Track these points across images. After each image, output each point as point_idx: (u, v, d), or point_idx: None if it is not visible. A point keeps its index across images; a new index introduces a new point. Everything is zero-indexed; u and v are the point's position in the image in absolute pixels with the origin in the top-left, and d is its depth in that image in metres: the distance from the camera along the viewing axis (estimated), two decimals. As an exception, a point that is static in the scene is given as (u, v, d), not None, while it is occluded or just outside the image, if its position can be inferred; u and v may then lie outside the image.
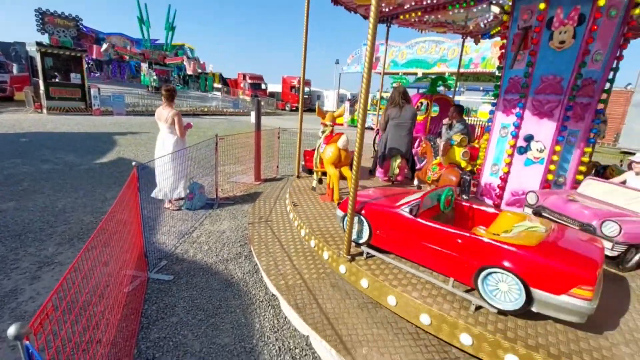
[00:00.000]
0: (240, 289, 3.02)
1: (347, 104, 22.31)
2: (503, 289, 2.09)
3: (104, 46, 27.38)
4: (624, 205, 3.20)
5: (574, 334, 2.03)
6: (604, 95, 3.91)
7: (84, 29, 27.91)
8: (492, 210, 2.97)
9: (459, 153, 4.73)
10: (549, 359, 1.79)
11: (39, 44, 14.69)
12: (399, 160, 5.10)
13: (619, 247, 2.80)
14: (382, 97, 8.83)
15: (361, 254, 2.83)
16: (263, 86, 33.74)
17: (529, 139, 4.09)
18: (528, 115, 4.09)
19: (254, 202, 5.08)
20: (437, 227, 2.41)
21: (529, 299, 1.99)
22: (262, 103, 26.26)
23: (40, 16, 25.00)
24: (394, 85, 19.58)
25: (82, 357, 1.79)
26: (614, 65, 3.76)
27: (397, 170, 5.19)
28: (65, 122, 12.56)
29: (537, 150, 4.02)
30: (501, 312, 2.13)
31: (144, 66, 27.95)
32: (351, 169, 2.75)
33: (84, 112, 15.70)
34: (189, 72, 33.10)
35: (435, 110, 7.82)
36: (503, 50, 4.53)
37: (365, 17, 6.51)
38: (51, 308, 1.07)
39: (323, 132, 4.51)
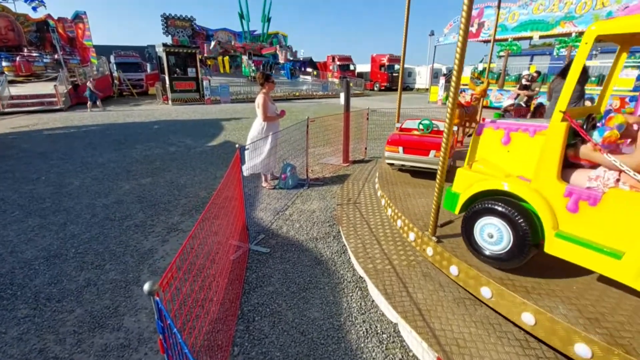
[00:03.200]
0: (329, 267, 3.10)
1: (441, 80, 20.42)
2: None
3: (212, 44, 30.72)
4: None
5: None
6: None
7: (197, 28, 31.72)
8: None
9: None
10: None
11: (164, 45, 17.34)
12: None
13: None
14: (488, 69, 7.79)
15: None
16: (352, 67, 33.34)
17: None
18: None
19: (343, 184, 5.13)
20: (403, 133, 4.87)
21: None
22: (351, 84, 26.14)
23: (164, 20, 29.38)
24: (501, 53, 17.02)
25: (199, 311, 2.10)
26: None
27: None
28: (184, 111, 14.71)
29: None
30: None
31: (245, 58, 30.46)
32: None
33: (198, 101, 18.12)
34: (281, 60, 34.35)
35: None
36: None
37: None
38: (175, 270, 1.23)
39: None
